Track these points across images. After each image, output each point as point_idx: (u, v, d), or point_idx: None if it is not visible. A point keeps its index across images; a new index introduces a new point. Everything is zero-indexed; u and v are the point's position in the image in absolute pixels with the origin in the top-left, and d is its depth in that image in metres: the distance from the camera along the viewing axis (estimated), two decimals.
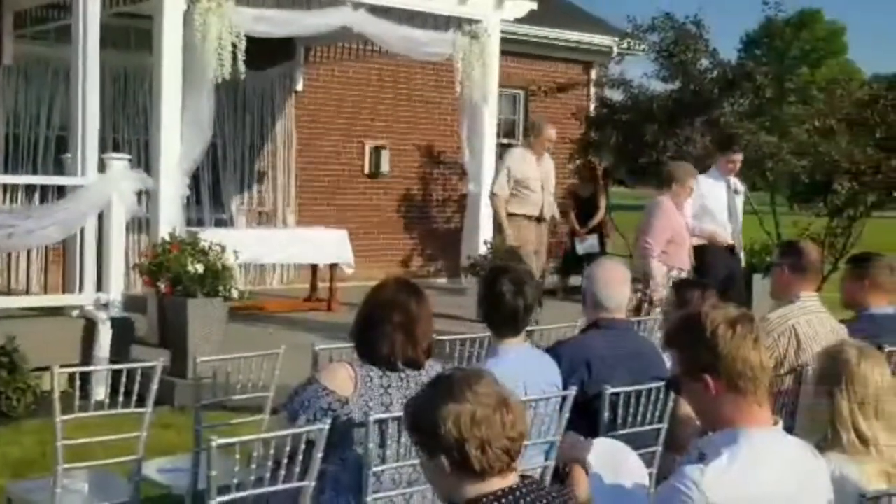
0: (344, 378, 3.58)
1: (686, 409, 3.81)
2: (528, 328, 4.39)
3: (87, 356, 7.71)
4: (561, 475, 3.89)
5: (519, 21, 11.37)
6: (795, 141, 12.23)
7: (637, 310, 6.97)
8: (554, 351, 4.40)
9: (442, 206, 14.20)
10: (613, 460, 3.58)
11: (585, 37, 14.95)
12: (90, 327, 7.86)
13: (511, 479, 2.35)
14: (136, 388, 4.40)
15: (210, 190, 12.08)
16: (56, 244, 8.48)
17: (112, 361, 7.29)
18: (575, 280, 11.42)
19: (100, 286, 8.09)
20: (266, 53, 10.79)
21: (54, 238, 8.07)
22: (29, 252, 8.58)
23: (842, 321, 5.06)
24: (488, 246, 10.26)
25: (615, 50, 14.93)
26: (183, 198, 8.70)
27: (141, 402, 4.40)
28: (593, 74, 15.24)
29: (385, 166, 13.53)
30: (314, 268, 11.25)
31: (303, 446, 3.41)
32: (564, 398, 4.02)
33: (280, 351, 4.68)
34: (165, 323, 7.86)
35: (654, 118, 13.00)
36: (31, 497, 4.42)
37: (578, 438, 3.87)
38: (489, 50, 10.44)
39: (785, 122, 13.00)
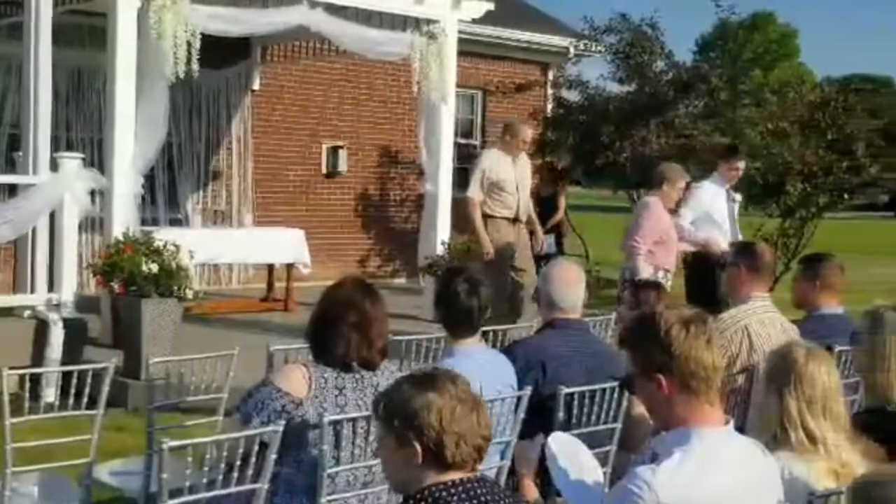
0: (298, 379, 3.56)
1: (641, 408, 3.83)
2: (486, 328, 4.40)
3: (38, 357, 7.61)
4: (514, 484, 3.92)
5: (476, 21, 11.38)
6: (749, 143, 12.37)
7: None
8: (509, 351, 4.41)
9: (400, 205, 14.19)
10: (574, 454, 3.59)
11: (543, 38, 15.01)
12: (42, 328, 7.76)
13: (470, 474, 2.41)
14: (88, 389, 4.34)
15: (165, 189, 11.97)
16: (7, 244, 8.36)
17: (64, 363, 7.21)
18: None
19: (52, 286, 8.00)
20: (222, 52, 10.71)
21: (5, 237, 7.97)
22: None
23: (793, 321, 5.13)
24: (446, 246, 10.26)
25: (572, 51, 15.01)
26: (137, 197, 8.61)
27: (93, 403, 4.35)
28: (550, 75, 15.31)
29: (342, 166, 13.50)
30: (271, 268, 11.19)
31: (256, 448, 3.39)
32: (519, 398, 4.03)
33: (234, 352, 4.65)
34: (119, 324, 7.77)
35: (610, 119, 13.10)
36: None
37: (528, 449, 3.89)
38: (446, 50, 10.44)
39: (738, 124, 13.16)
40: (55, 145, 8.48)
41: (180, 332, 7.62)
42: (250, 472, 3.41)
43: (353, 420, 3.54)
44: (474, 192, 9.10)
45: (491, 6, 11.05)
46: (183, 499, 3.32)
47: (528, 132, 9.54)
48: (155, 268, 7.47)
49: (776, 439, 3.06)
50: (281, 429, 3.40)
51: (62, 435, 4.38)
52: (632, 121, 12.99)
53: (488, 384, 3.98)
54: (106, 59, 8.60)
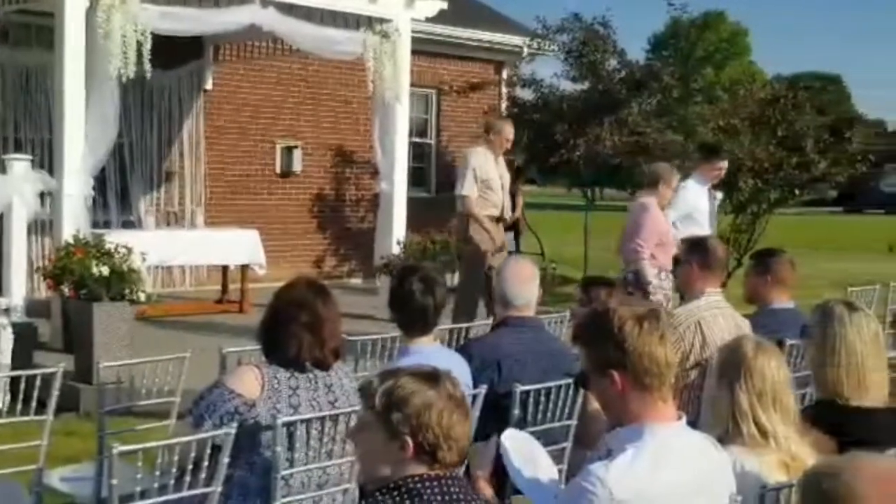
0: (251, 380, 3.53)
1: (596, 404, 3.85)
2: (442, 327, 4.39)
3: None
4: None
5: (430, 20, 11.37)
6: (700, 140, 12.48)
7: None
8: (464, 349, 4.41)
9: (355, 205, 14.14)
10: (529, 451, 3.60)
11: (496, 36, 15.03)
12: None
13: (447, 471, 2.42)
14: (37, 394, 4.28)
15: (118, 191, 11.83)
16: None
17: (14, 368, 7.09)
18: None
19: (1, 291, 7.87)
20: (174, 51, 10.61)
21: None
22: None
23: (745, 316, 5.18)
24: (401, 246, 10.24)
25: (525, 50, 15.05)
26: (87, 198, 8.50)
27: (42, 408, 4.28)
28: (504, 74, 15.35)
29: (297, 165, 13.42)
30: (225, 269, 11.11)
31: (208, 451, 3.35)
32: (475, 397, 4.03)
33: (187, 355, 4.60)
34: (70, 327, 7.68)
35: (564, 117, 13.18)
36: None
37: (483, 448, 3.88)
38: (400, 49, 10.42)
39: (690, 121, 13.28)
40: (3, 147, 8.36)
41: (134, 334, 7.54)
42: (203, 475, 3.38)
43: (307, 421, 3.51)
44: (469, 189, 8.81)
45: (444, 5, 11.05)
46: None
47: (511, 130, 9.38)
48: (106, 270, 7.38)
49: (728, 433, 3.08)
50: (234, 431, 3.37)
51: (12, 441, 4.31)
52: (585, 119, 13.07)
53: None
54: (54, 58, 8.49)
